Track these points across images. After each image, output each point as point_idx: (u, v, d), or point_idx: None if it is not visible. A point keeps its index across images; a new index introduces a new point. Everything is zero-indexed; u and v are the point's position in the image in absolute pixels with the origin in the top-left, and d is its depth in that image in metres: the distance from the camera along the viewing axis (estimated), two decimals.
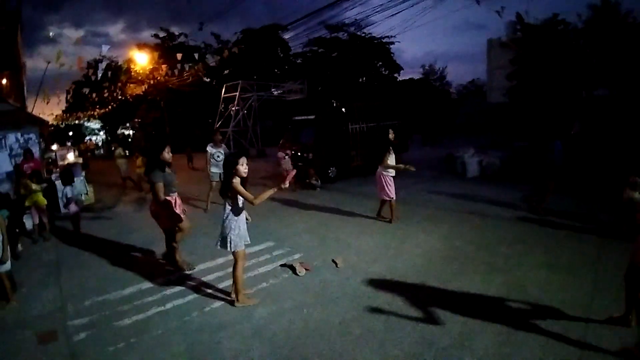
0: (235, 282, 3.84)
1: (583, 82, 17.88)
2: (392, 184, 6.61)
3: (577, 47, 18.57)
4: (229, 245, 3.65)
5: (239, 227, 3.67)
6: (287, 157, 10.33)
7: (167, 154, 4.54)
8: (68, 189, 6.79)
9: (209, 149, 8.08)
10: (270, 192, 3.67)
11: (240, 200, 3.64)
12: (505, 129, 20.08)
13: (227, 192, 3.61)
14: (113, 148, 14.52)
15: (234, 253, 3.73)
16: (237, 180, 3.56)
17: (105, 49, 10.71)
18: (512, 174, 10.09)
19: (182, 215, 4.71)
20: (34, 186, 6.40)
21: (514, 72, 21.06)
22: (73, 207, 6.68)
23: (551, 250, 5.00)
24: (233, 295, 3.97)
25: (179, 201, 4.77)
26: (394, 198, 6.58)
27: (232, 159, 3.61)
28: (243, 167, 3.59)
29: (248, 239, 3.85)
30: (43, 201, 6.53)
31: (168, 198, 4.57)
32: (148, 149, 11.89)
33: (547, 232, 5.78)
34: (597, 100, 16.30)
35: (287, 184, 3.85)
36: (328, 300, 3.95)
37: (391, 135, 6.79)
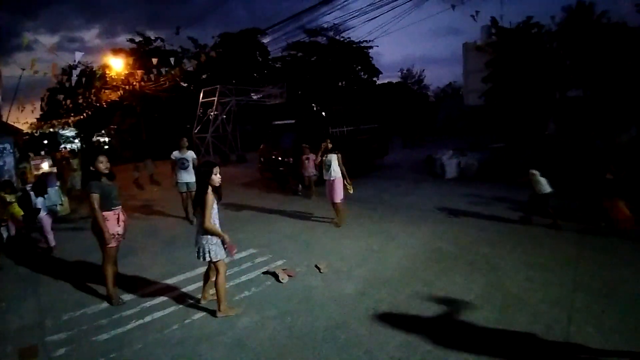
0: (217, 292, 3.74)
1: (557, 83, 18.45)
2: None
3: (551, 49, 19.16)
4: (207, 255, 3.57)
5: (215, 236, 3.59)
6: (309, 160, 9.33)
7: (101, 164, 4.08)
8: (40, 200, 6.52)
9: (175, 155, 7.55)
10: (222, 235, 3.56)
11: (216, 209, 3.59)
12: (483, 130, 20.51)
13: (201, 204, 3.51)
14: (68, 159, 13.20)
15: (215, 263, 3.64)
16: (210, 191, 3.51)
17: (78, 55, 10.38)
18: (490, 174, 10.31)
19: (112, 237, 4.08)
20: (8, 197, 6.13)
21: (489, 75, 21.57)
22: (46, 219, 6.41)
23: (531, 249, 5.10)
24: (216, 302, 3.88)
25: (122, 217, 4.27)
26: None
27: (206, 169, 3.56)
28: (217, 177, 3.57)
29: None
30: (19, 212, 6.25)
31: (108, 213, 4.09)
32: (84, 159, 11.36)
33: (526, 231, 5.90)
34: (571, 100, 16.83)
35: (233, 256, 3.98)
36: (312, 307, 3.91)
37: (326, 144, 6.99)
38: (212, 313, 3.84)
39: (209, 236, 3.54)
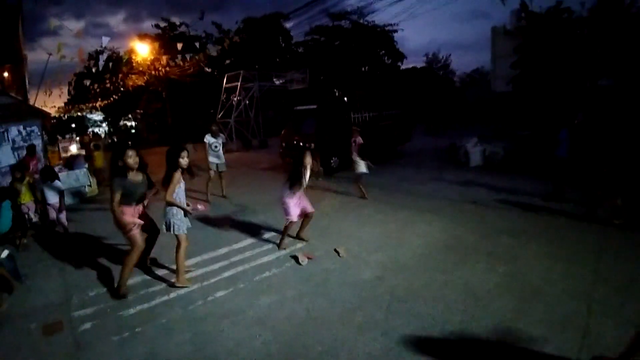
0: (177, 263, 4.14)
1: (587, 72, 17.65)
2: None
3: (581, 36, 18.30)
4: (172, 228, 3.99)
5: (180, 211, 4.01)
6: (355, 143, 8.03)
7: (130, 159, 3.88)
8: (47, 185, 6.13)
9: (207, 139, 8.17)
10: (184, 207, 4.04)
11: (182, 187, 4.05)
12: (509, 118, 19.91)
13: (167, 180, 3.93)
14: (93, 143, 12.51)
15: (177, 236, 4.04)
16: (178, 171, 3.92)
17: (105, 40, 10.61)
18: (516, 163, 10.05)
19: (132, 225, 3.96)
20: (17, 185, 6.11)
21: (518, 61, 20.80)
22: (54, 206, 6.18)
23: (553, 240, 5.00)
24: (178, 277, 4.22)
25: (140, 210, 4.15)
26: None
27: (175, 152, 3.95)
28: (184, 160, 3.95)
29: (190, 223, 4.21)
30: (26, 199, 6.22)
31: (127, 208, 3.94)
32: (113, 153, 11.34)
33: (549, 221, 5.78)
34: (601, 90, 16.11)
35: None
36: (330, 289, 3.99)
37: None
38: (235, 291, 4.01)
39: (174, 211, 3.96)
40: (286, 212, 5.01)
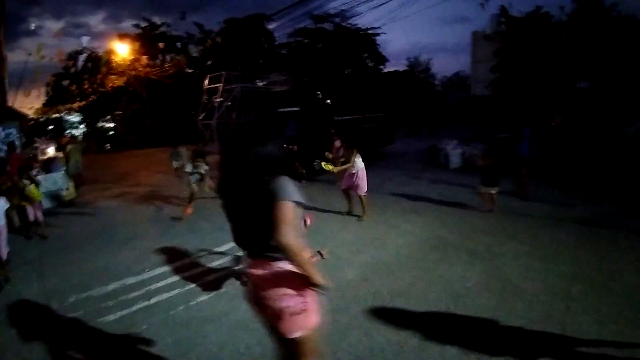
0: None
1: (565, 75, 18.19)
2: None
3: (560, 40, 18.86)
4: None
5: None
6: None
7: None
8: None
9: (188, 168, 7.33)
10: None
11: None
12: (489, 121, 20.36)
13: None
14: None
15: None
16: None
17: (85, 40, 10.41)
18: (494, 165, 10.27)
19: None
20: (26, 182, 6.09)
21: (497, 65, 21.31)
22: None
23: (531, 239, 5.14)
24: None
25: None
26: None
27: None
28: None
29: None
30: (39, 196, 6.28)
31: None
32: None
33: (527, 221, 5.93)
34: (579, 92, 16.62)
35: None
36: None
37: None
38: (218, 295, 3.95)
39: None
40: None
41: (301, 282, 1.92)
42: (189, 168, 7.18)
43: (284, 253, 1.80)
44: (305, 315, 1.94)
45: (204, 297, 3.99)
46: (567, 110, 12.15)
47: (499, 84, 21.54)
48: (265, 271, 1.90)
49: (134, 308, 3.85)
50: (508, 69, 20.16)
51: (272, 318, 1.93)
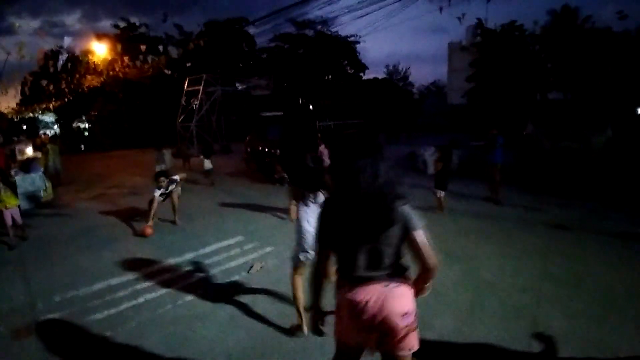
0: None
1: (538, 86, 19.03)
2: None
3: (533, 52, 19.72)
4: None
5: None
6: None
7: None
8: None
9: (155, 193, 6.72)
10: None
11: None
12: (465, 129, 21.04)
13: None
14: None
15: None
16: None
17: (67, 40, 10.17)
18: (469, 171, 10.73)
19: None
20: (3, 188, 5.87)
21: (473, 75, 22.08)
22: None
23: (505, 240, 5.45)
24: None
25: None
26: None
27: None
28: None
29: None
30: (15, 201, 6.06)
31: None
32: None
33: (501, 224, 6.26)
34: (551, 103, 17.41)
35: None
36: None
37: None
38: (205, 294, 4.03)
39: None
40: None
41: (412, 299, 2.02)
42: (157, 192, 6.45)
43: (430, 274, 2.04)
44: (418, 329, 2.02)
45: (191, 296, 4.05)
46: (539, 120, 12.78)
47: (474, 94, 22.33)
48: (382, 294, 1.91)
49: (122, 307, 3.88)
50: (483, 79, 20.96)
51: (391, 339, 1.91)
